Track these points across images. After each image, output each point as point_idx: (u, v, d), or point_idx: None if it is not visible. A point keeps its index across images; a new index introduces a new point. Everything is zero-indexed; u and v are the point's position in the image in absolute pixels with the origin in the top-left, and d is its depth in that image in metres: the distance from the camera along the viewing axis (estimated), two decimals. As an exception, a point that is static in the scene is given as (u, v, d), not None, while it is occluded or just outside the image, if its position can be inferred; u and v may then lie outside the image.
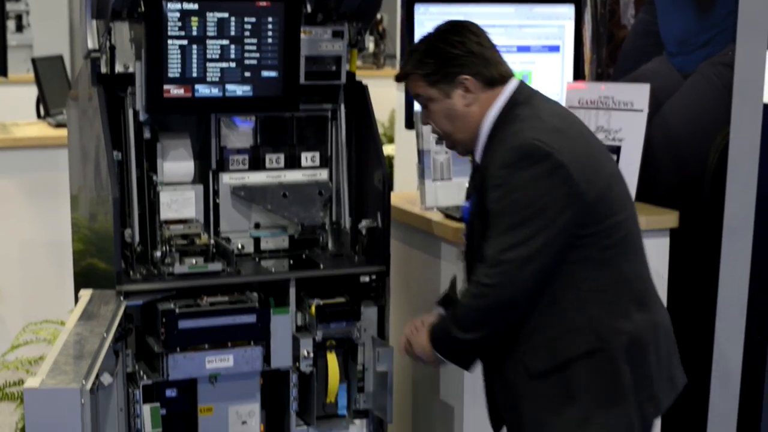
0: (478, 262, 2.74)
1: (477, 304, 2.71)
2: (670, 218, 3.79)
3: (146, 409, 3.19)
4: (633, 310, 2.75)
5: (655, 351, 2.78)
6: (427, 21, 3.74)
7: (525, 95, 2.81)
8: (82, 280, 3.55)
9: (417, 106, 3.82)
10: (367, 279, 3.40)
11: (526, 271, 2.64)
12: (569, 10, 4.03)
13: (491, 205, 2.70)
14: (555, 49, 4.06)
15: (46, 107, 6.16)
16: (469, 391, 3.55)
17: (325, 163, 3.57)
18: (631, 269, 2.78)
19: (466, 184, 3.75)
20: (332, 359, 3.41)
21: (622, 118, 3.88)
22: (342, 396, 3.42)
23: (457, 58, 2.79)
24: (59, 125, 5.82)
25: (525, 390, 2.78)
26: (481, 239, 2.76)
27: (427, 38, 2.86)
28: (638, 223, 2.85)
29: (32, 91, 6.35)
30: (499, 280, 2.66)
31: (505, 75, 2.83)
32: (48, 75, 6.23)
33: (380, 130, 3.79)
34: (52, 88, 6.18)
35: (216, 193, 3.45)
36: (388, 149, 6.76)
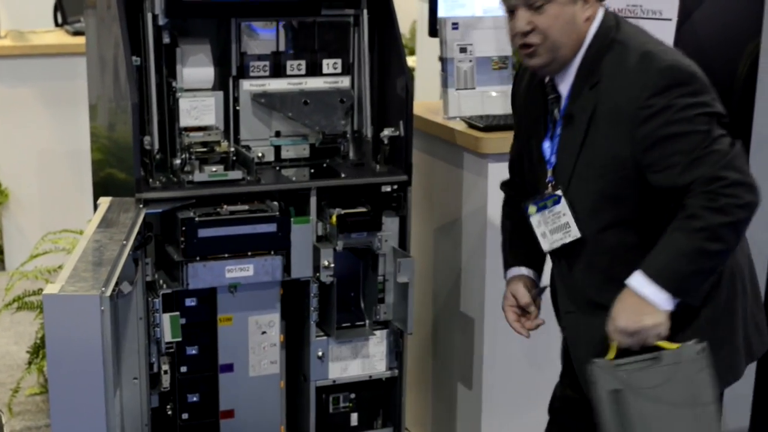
0: (675, 188, 2.53)
1: (735, 218, 2.49)
2: (697, 130, 3.72)
3: (166, 318, 3.18)
4: None
5: (750, 279, 2.72)
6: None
7: (615, 18, 2.67)
8: (101, 190, 3.53)
9: (442, 12, 3.75)
10: (388, 189, 3.37)
11: (747, 164, 2.52)
12: None
13: (658, 132, 2.51)
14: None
15: (63, 15, 6.12)
16: (489, 303, 3.53)
17: (347, 70, 3.50)
18: None
19: (492, 93, 3.72)
20: (353, 269, 3.39)
21: (650, 27, 3.79)
22: (362, 307, 3.41)
23: None
24: (77, 33, 5.77)
25: None
26: (635, 172, 2.57)
27: None
28: None
29: (49, -1, 6.30)
30: (740, 192, 2.48)
31: None
32: (65, -18, 6.18)
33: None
34: (69, -5, 6.13)
35: (236, 100, 3.40)
36: (409, 61, 6.70)
